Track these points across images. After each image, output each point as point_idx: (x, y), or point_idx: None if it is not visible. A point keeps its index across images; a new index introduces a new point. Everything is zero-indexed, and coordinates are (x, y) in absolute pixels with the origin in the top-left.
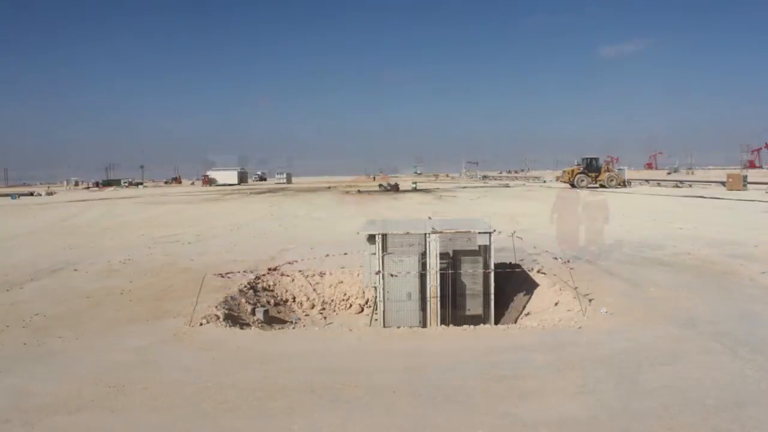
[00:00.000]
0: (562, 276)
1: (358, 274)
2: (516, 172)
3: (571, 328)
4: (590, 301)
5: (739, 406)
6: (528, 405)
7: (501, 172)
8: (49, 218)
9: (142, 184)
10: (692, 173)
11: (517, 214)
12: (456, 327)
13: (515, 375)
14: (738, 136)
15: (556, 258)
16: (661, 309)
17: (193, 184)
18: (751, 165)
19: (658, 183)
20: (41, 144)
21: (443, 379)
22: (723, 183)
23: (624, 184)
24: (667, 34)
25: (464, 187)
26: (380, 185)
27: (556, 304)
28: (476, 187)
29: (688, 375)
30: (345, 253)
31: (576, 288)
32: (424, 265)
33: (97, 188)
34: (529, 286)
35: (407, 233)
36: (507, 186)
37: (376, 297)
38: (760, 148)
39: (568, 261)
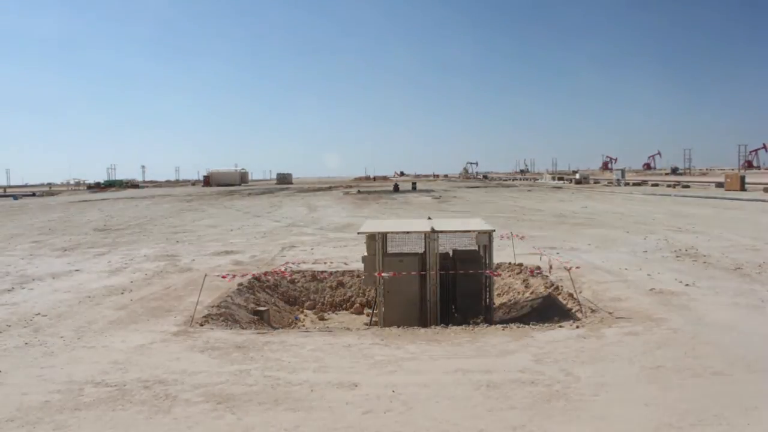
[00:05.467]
0: (562, 276)
1: (358, 275)
2: (518, 173)
3: (570, 328)
4: (589, 301)
5: (743, 410)
6: (525, 405)
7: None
8: (48, 219)
9: (137, 186)
10: (695, 172)
11: (517, 214)
12: (455, 327)
13: (514, 376)
14: (736, 136)
15: (556, 258)
16: (661, 309)
17: (193, 185)
18: (749, 165)
19: (657, 183)
20: (42, 144)
21: (443, 380)
22: (721, 184)
23: None
24: (665, 33)
25: (465, 187)
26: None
27: (555, 304)
28: (476, 186)
29: (687, 380)
30: (344, 257)
31: (575, 288)
32: (423, 265)
33: (97, 189)
34: (529, 286)
35: (407, 233)
36: (505, 186)
37: (376, 297)
38: (758, 149)
39: (568, 262)
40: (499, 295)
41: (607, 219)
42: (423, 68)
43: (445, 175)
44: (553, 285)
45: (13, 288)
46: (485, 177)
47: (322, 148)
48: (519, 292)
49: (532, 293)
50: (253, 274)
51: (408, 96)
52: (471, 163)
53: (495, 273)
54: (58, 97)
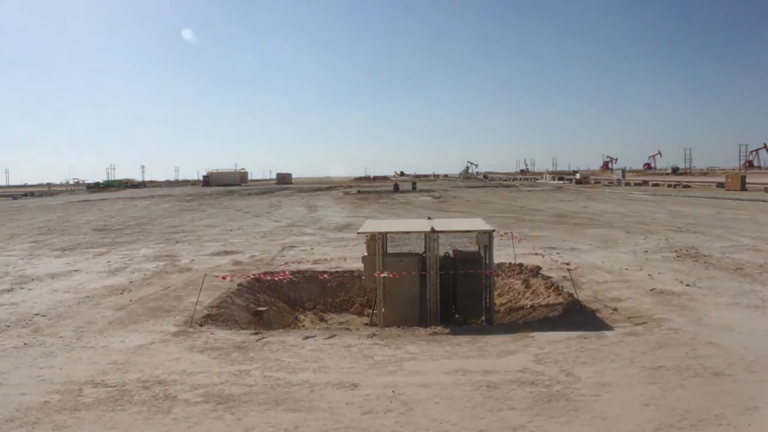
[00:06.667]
0: (563, 277)
1: (358, 275)
2: (518, 172)
3: (570, 328)
4: (589, 301)
5: (743, 410)
6: (525, 405)
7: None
8: (48, 219)
9: (137, 185)
10: (695, 172)
11: (518, 214)
12: (455, 327)
13: (515, 376)
14: (737, 136)
15: (556, 258)
16: (661, 309)
17: (193, 185)
18: (750, 165)
19: (657, 183)
20: (43, 143)
21: (444, 380)
22: (722, 184)
23: None
24: (665, 33)
25: (465, 187)
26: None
27: (554, 304)
28: (476, 186)
29: (688, 380)
30: (344, 257)
31: (576, 288)
32: (423, 265)
33: (97, 189)
34: (529, 287)
35: (407, 233)
36: (506, 186)
37: (376, 297)
38: (759, 149)
39: (569, 262)
40: (499, 295)
41: (608, 219)
42: (423, 68)
43: (445, 175)
44: (553, 285)
45: (12, 288)
46: (485, 177)
47: (322, 148)
48: (519, 293)
49: (533, 293)
50: (253, 275)
51: (408, 95)
52: (471, 163)
53: (495, 273)
54: (58, 97)
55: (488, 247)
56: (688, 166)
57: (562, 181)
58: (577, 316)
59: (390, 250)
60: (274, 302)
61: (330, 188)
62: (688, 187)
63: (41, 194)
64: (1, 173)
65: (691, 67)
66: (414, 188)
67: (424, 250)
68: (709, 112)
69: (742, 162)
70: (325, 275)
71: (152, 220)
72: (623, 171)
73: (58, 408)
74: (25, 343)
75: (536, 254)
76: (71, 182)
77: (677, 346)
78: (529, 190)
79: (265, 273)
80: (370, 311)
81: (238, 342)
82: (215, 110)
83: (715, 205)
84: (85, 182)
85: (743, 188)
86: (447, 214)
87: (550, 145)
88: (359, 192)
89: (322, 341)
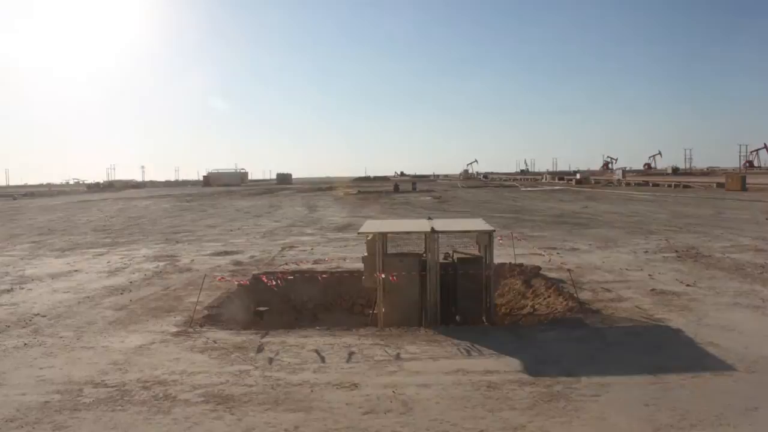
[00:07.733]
0: (563, 277)
1: (358, 275)
2: (519, 173)
3: (570, 328)
4: (589, 301)
5: (744, 411)
6: (525, 405)
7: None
8: (48, 219)
9: (137, 186)
10: (696, 172)
11: (518, 214)
12: (456, 327)
13: (515, 376)
14: (737, 136)
15: (556, 258)
16: (662, 309)
17: (193, 185)
18: (750, 165)
19: (657, 183)
20: (43, 143)
21: (444, 381)
22: (722, 184)
23: None
24: (665, 33)
25: (465, 188)
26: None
27: (554, 304)
28: (477, 187)
29: (688, 380)
30: (345, 257)
31: (575, 288)
32: (423, 265)
33: (97, 189)
34: (529, 287)
35: (407, 233)
36: (506, 187)
37: (376, 297)
38: (759, 149)
39: (568, 262)
40: (499, 295)
41: (608, 219)
42: (423, 68)
43: (446, 176)
44: (554, 285)
45: (12, 288)
46: (485, 177)
47: (323, 148)
48: (520, 293)
49: (533, 293)
50: (253, 275)
51: (408, 96)
52: (471, 163)
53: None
54: (59, 97)
55: (488, 248)
56: (688, 166)
57: (562, 181)
58: (577, 316)
59: (390, 250)
60: (274, 302)
61: (330, 188)
62: (689, 187)
63: (41, 194)
64: (1, 173)
65: (691, 67)
66: (414, 188)
67: (424, 250)
68: (709, 112)
69: (743, 162)
70: (326, 275)
71: (152, 220)
72: (623, 171)
73: (58, 408)
74: (25, 344)
75: (537, 254)
76: (71, 182)
77: (677, 346)
78: (529, 191)
79: (265, 273)
80: (370, 311)
81: (238, 342)
82: (215, 110)
83: (716, 206)
84: (85, 182)
85: (743, 188)
86: (447, 215)
87: (550, 145)
88: (359, 192)
89: (322, 341)
